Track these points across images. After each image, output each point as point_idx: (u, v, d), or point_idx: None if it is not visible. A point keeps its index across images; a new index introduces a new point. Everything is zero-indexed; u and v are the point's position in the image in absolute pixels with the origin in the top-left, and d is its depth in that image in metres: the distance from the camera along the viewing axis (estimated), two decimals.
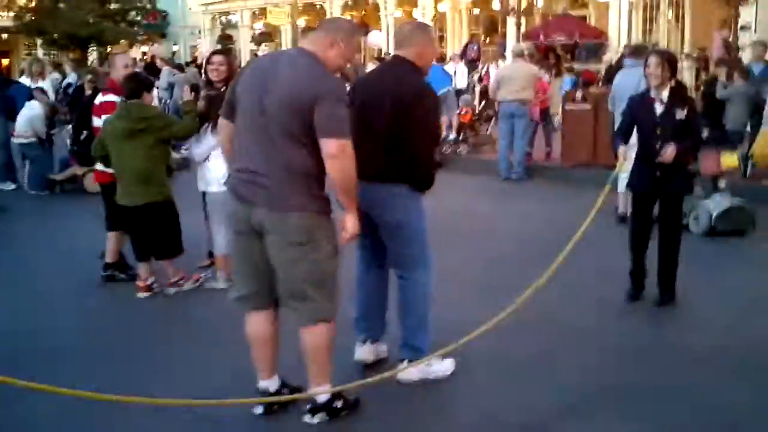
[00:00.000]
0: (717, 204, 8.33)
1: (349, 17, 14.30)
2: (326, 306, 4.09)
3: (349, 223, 4.07)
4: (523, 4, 17.40)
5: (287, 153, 3.87)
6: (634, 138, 6.26)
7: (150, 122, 6.45)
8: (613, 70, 13.66)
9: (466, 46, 24.71)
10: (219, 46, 44.44)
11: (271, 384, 4.37)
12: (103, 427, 4.32)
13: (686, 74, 21.49)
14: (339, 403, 4.26)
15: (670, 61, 6.02)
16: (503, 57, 16.25)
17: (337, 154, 3.81)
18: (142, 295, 6.72)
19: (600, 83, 16.07)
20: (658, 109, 5.99)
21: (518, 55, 13.28)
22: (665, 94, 5.97)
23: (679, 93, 6.06)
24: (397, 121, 4.44)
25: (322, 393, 4.19)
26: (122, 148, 6.44)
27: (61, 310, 6.50)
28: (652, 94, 6.04)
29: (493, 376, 4.94)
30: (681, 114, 5.92)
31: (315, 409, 4.23)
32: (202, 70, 7.76)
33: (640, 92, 6.34)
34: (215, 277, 6.90)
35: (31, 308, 6.56)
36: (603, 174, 10.66)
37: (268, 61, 4.20)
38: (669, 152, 5.83)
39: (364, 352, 5.00)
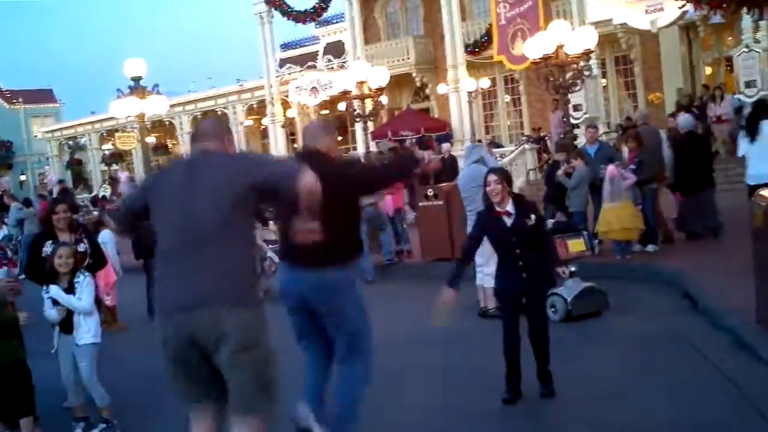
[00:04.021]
0: (570, 289, 8.69)
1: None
2: (266, 405, 4.08)
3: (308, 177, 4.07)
4: (368, 105, 17.84)
5: (223, 251, 3.95)
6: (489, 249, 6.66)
7: None
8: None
9: None
10: (68, 172, 43.77)
11: None
12: None
13: (528, 155, 22.59)
14: None
15: (506, 178, 6.49)
16: None
17: (306, 185, 3.95)
18: None
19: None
20: (508, 221, 6.34)
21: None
22: (510, 206, 6.36)
23: (523, 202, 6.48)
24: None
25: None
26: None
27: None
28: (498, 208, 6.38)
29: None
30: (530, 221, 6.32)
31: None
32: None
33: (485, 209, 6.59)
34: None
35: None
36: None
37: (180, 168, 4.37)
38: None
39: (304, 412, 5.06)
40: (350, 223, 5.10)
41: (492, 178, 6.37)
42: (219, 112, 35.07)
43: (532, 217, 6.33)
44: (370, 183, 5.39)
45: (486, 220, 6.49)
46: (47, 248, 7.39)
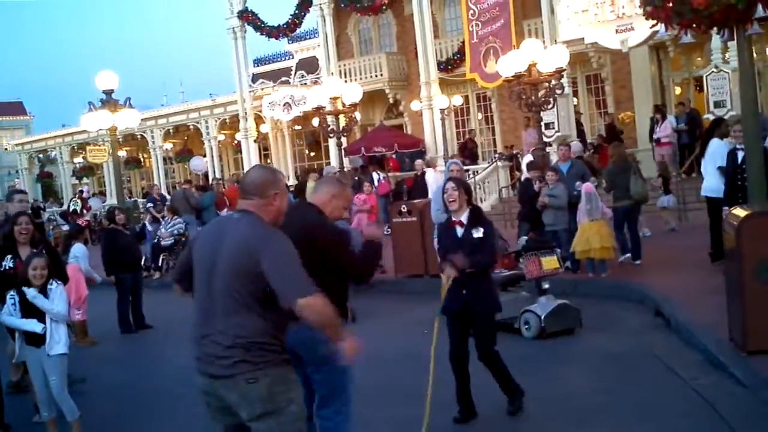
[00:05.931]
0: (544, 306, 8.69)
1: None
2: None
3: (349, 345, 4.09)
4: (342, 121, 17.82)
5: (235, 318, 3.87)
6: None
7: None
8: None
9: None
10: (38, 185, 43.39)
11: None
12: None
13: (501, 173, 22.70)
14: None
15: (465, 188, 6.48)
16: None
17: (305, 309, 3.79)
18: None
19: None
20: (459, 231, 6.35)
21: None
22: (465, 216, 6.36)
23: (477, 215, 6.43)
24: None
25: None
26: None
27: None
28: (453, 217, 6.41)
29: None
30: (478, 233, 6.27)
31: None
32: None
33: (446, 219, 6.63)
34: None
35: None
36: (434, 284, 11.02)
37: (215, 226, 4.27)
38: (455, 259, 6.07)
39: None
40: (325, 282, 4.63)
41: (450, 185, 6.41)
42: (191, 127, 34.91)
43: (480, 230, 6.27)
44: (342, 261, 5.02)
45: (444, 230, 6.54)
46: (7, 262, 7.38)
